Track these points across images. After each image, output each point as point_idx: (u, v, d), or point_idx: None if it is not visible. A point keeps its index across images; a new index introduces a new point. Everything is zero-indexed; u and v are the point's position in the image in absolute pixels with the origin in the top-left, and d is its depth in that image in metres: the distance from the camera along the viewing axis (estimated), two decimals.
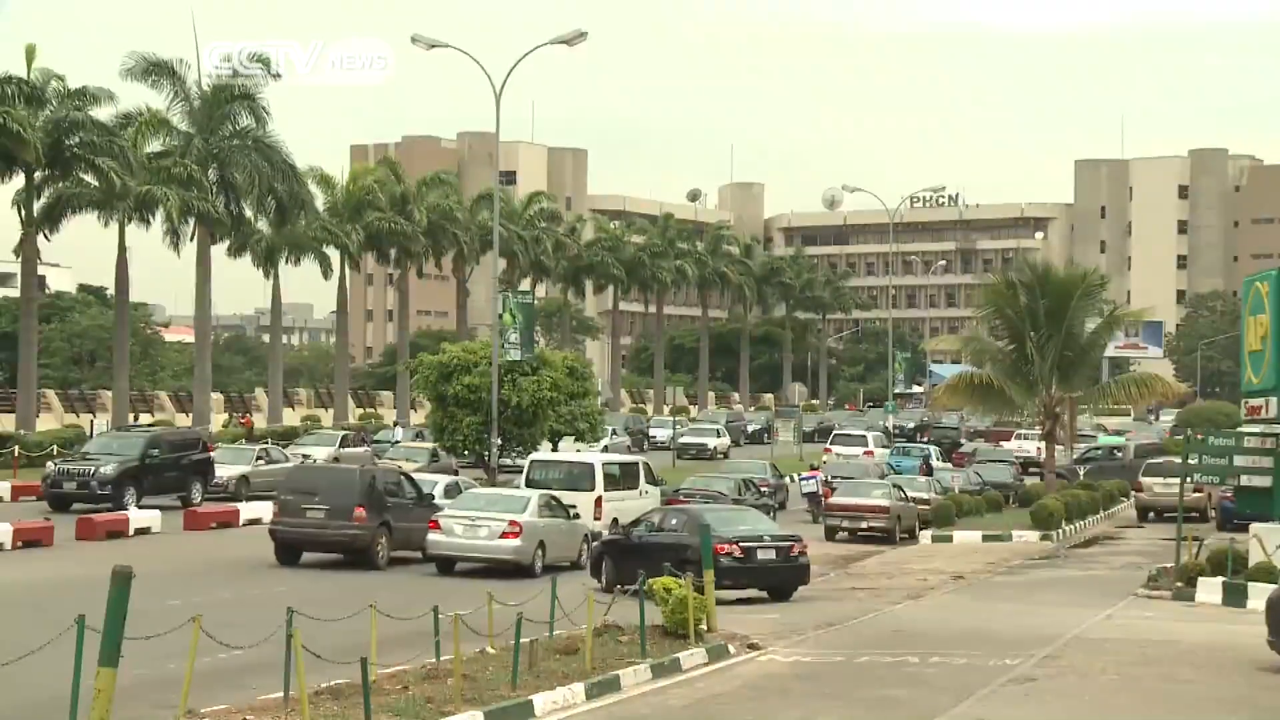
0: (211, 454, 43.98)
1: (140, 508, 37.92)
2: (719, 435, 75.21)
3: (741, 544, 27.08)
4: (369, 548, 30.80)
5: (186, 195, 58.52)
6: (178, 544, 34.33)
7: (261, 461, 46.19)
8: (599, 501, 35.57)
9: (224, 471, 44.03)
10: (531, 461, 39.11)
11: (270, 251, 70.53)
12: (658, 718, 17.20)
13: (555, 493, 33.93)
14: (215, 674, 17.15)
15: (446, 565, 30.52)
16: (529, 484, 36.17)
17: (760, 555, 27.28)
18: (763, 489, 46.34)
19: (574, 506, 33.74)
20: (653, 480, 40.18)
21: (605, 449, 55.03)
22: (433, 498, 34.14)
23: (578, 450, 48.59)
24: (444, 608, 17.93)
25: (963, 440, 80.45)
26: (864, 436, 69.53)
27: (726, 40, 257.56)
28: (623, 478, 38.12)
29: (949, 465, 61.67)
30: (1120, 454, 64.46)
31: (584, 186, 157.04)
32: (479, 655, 18.77)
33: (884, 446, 68.27)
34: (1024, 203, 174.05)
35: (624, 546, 29.05)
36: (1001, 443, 72.18)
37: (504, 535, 30.09)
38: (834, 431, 74.38)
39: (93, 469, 39.64)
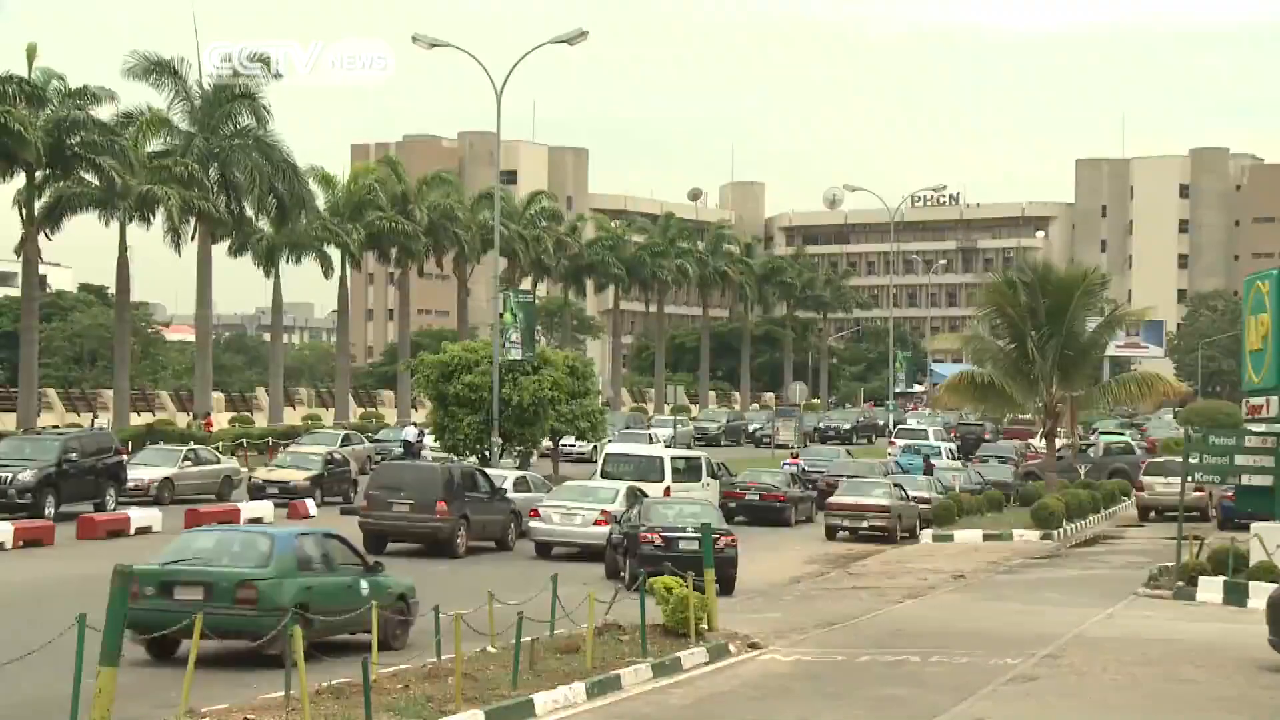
0: (124, 457, 41.16)
1: (56, 518, 34.90)
2: (651, 441, 65.18)
3: (663, 533, 28.90)
4: (450, 539, 33.25)
5: (187, 194, 58.51)
6: None
7: (188, 464, 43.59)
8: (667, 491, 38.07)
9: (145, 474, 41.58)
10: (606, 455, 43.04)
11: (271, 251, 70.51)
12: (658, 717, 17.20)
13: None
14: (216, 673, 17.15)
15: (545, 549, 33.75)
16: (604, 475, 39.62)
17: (682, 545, 28.43)
18: (812, 480, 48.78)
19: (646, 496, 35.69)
20: (713, 473, 43.24)
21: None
22: (505, 491, 36.72)
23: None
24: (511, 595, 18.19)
25: (987, 437, 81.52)
26: (926, 431, 72.63)
27: (727, 40, 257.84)
28: (687, 470, 41.46)
29: (954, 464, 61.79)
30: (1091, 452, 64.85)
31: (585, 186, 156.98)
32: (480, 654, 18.78)
33: (945, 440, 71.88)
34: (1025, 202, 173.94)
35: (614, 537, 30.96)
36: (1030, 441, 72.76)
37: (596, 523, 33.35)
38: (898, 425, 78.67)
39: (10, 476, 36.17)
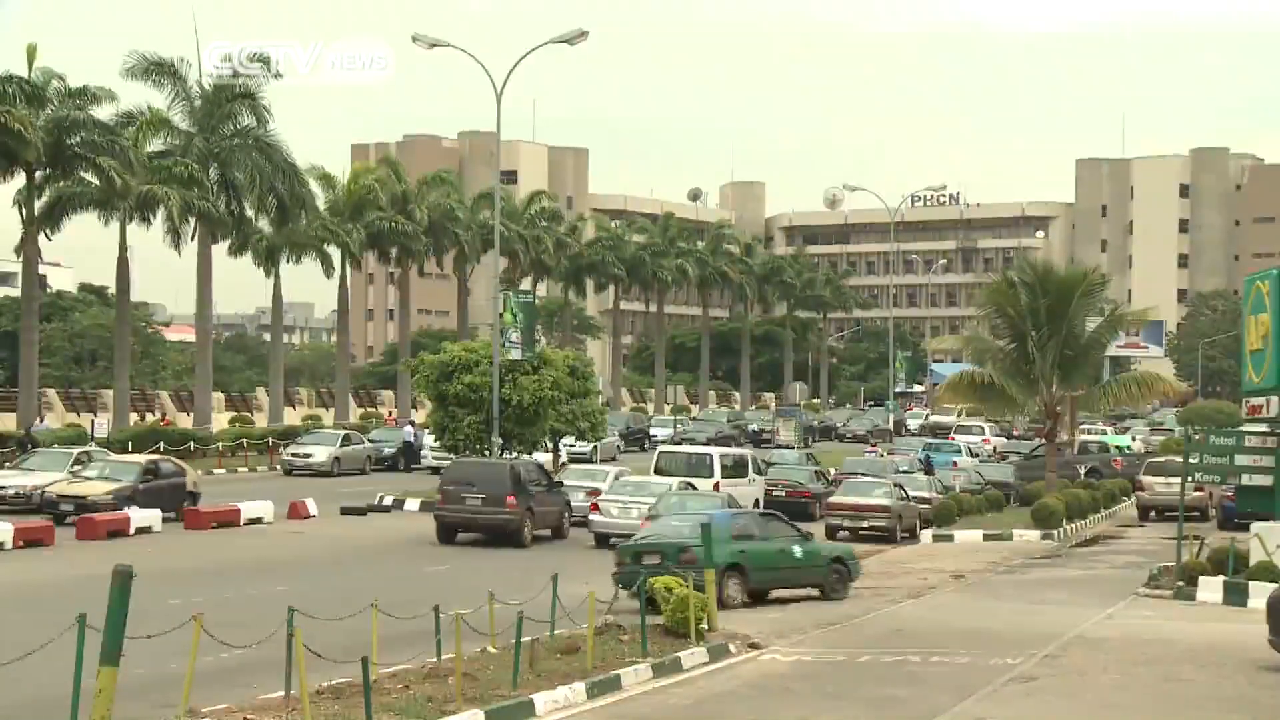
0: None
1: None
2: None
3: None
4: (519, 530, 36.12)
5: (187, 194, 58.48)
6: (179, 544, 34.35)
7: (79, 468, 39.62)
8: (717, 486, 40.18)
9: (29, 481, 38.40)
10: (660, 452, 45.62)
11: (271, 251, 70.45)
12: (659, 717, 17.20)
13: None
14: (216, 673, 17.15)
15: (603, 540, 35.78)
16: (657, 472, 41.77)
17: None
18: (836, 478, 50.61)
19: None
20: (758, 470, 45.86)
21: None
22: (561, 484, 40.35)
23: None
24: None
25: (1016, 433, 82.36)
26: (982, 428, 78.17)
27: (728, 39, 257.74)
28: (734, 467, 43.90)
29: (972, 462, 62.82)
30: (1068, 452, 65.50)
31: (585, 185, 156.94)
32: (480, 654, 18.79)
33: (998, 436, 77.94)
34: (1025, 201, 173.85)
35: None
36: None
37: None
38: (955, 424, 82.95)
39: None
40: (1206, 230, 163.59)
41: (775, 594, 28.38)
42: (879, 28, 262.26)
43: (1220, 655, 21.83)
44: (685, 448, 49.73)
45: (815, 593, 28.53)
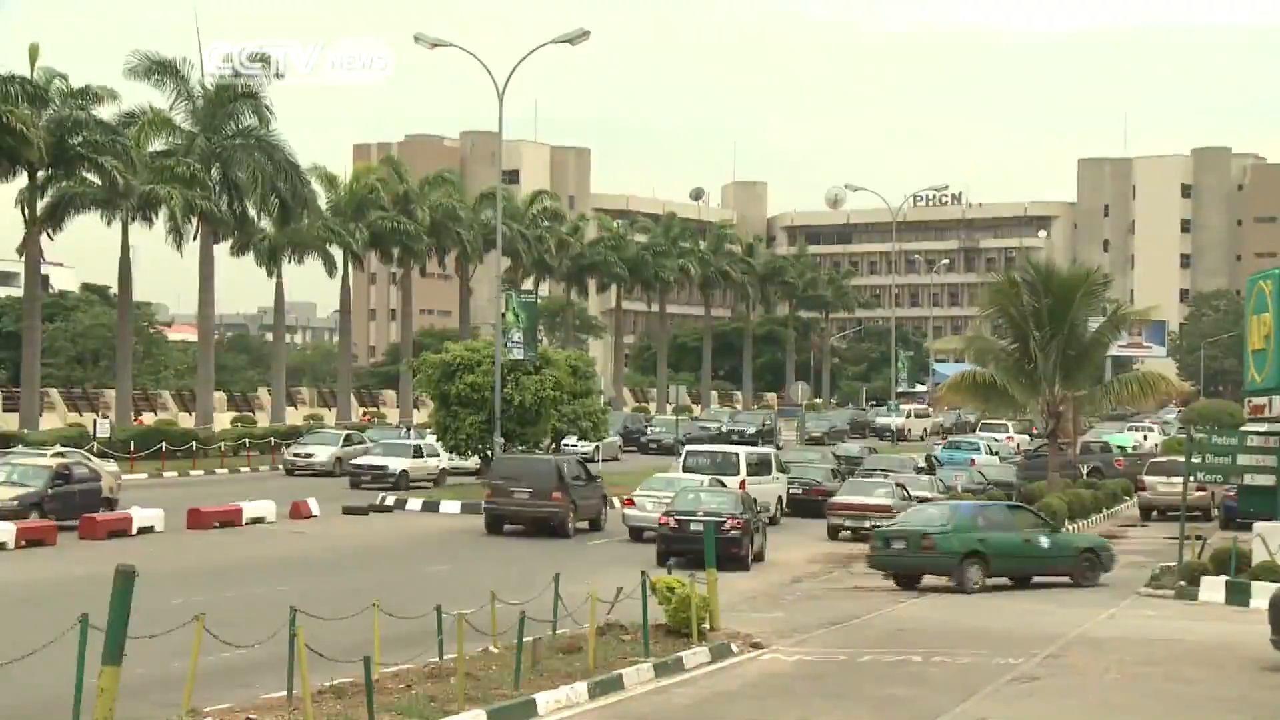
0: None
1: None
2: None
3: (676, 517, 32.97)
4: (564, 522, 38.50)
5: (190, 194, 58.53)
6: (180, 543, 34.33)
7: None
8: (742, 484, 41.25)
9: None
10: (687, 451, 47.35)
11: (273, 250, 70.47)
12: (660, 717, 17.20)
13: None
14: (218, 673, 17.13)
15: (637, 533, 37.61)
16: (685, 470, 43.14)
17: (692, 527, 31.87)
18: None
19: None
20: (782, 469, 46.99)
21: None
22: (599, 478, 42.15)
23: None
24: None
25: (1035, 430, 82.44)
26: (1005, 425, 79.70)
27: (730, 39, 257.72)
28: (759, 465, 45.11)
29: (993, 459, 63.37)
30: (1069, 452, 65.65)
31: (587, 185, 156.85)
32: (482, 654, 18.78)
33: (1020, 433, 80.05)
34: (1027, 201, 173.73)
35: None
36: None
37: None
38: (979, 420, 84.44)
39: None
40: (1208, 230, 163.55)
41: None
42: (881, 27, 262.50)
43: (1222, 655, 21.82)
44: (711, 446, 51.19)
45: (1066, 580, 31.04)
